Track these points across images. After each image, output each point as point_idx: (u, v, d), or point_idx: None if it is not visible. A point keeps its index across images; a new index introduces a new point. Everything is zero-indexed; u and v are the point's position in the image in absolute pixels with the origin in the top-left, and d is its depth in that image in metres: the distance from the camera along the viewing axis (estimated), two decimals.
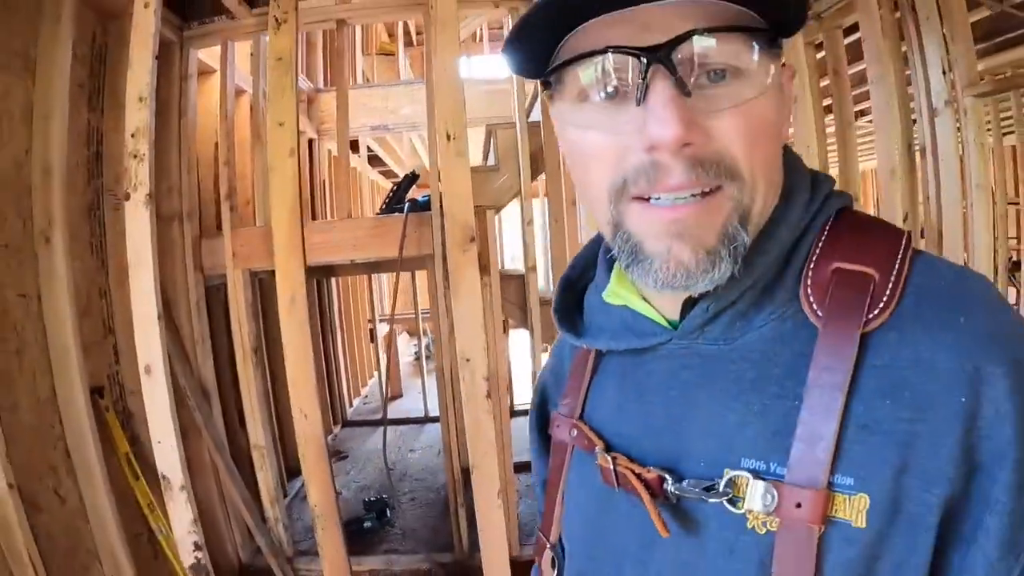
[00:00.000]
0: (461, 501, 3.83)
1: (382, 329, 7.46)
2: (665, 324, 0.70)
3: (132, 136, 2.42)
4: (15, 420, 2.52)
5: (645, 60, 0.55)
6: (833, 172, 4.46)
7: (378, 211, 4.01)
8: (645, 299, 0.72)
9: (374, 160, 7.97)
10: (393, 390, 7.38)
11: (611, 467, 0.70)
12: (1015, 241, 8.04)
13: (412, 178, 4.09)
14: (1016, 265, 7.03)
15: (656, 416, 0.70)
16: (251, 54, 4.42)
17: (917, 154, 3.85)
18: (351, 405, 7.13)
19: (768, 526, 0.59)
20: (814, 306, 0.62)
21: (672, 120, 0.54)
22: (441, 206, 3.58)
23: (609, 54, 0.57)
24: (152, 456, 3.24)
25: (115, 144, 3.22)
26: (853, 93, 4.39)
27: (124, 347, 3.29)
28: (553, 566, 0.86)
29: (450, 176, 2.59)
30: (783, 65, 0.64)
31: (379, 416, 6.75)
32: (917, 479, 0.55)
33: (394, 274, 9.84)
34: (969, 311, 0.58)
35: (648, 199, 0.59)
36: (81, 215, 3.09)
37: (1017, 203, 7.45)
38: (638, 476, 0.67)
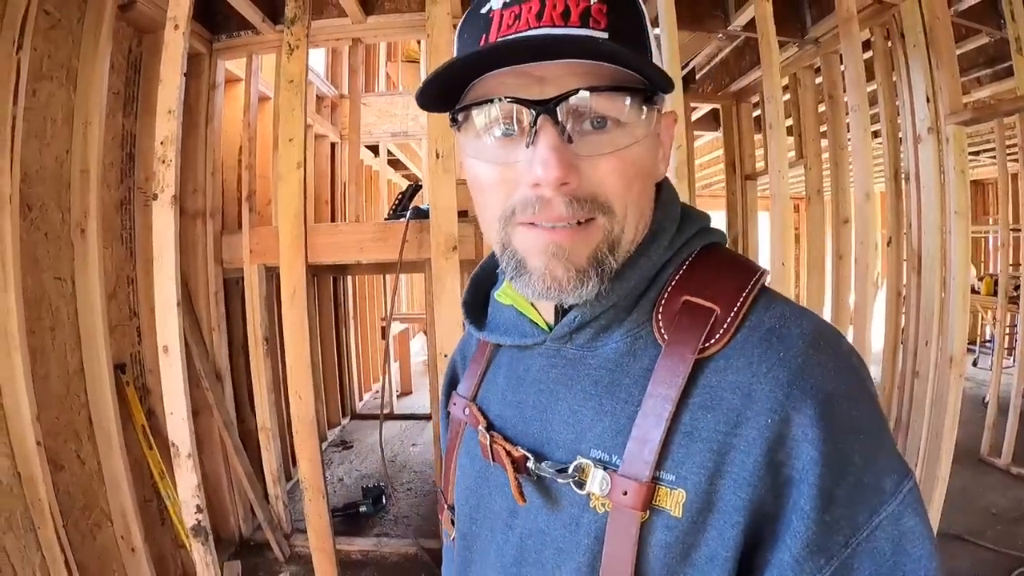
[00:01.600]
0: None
1: (398, 328, 7.76)
2: (544, 326, 0.81)
3: (161, 144, 2.73)
4: (46, 388, 2.85)
5: (535, 111, 0.65)
6: (826, 195, 4.63)
7: (386, 217, 4.31)
8: (532, 304, 0.82)
9: (395, 163, 8.32)
10: (404, 387, 7.69)
11: (488, 444, 0.81)
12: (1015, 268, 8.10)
13: (416, 188, 4.39)
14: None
15: (528, 405, 0.81)
16: (276, 66, 4.78)
17: (904, 180, 3.98)
18: (361, 399, 7.44)
19: (606, 507, 0.69)
20: (661, 330, 0.72)
21: (554, 164, 0.64)
22: None
23: (506, 103, 0.66)
24: (165, 429, 3.58)
25: (146, 147, 3.57)
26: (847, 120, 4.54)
27: (146, 329, 3.63)
28: (452, 524, 0.95)
29: (437, 190, 2.87)
30: (666, 113, 0.76)
31: (387, 411, 7.06)
32: (728, 481, 0.63)
33: (405, 275, 10.11)
34: (789, 347, 0.66)
35: (533, 224, 0.69)
36: (113, 209, 3.43)
37: (1019, 230, 7.48)
38: (508, 454, 0.78)
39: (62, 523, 2.71)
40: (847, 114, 4.42)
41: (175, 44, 2.79)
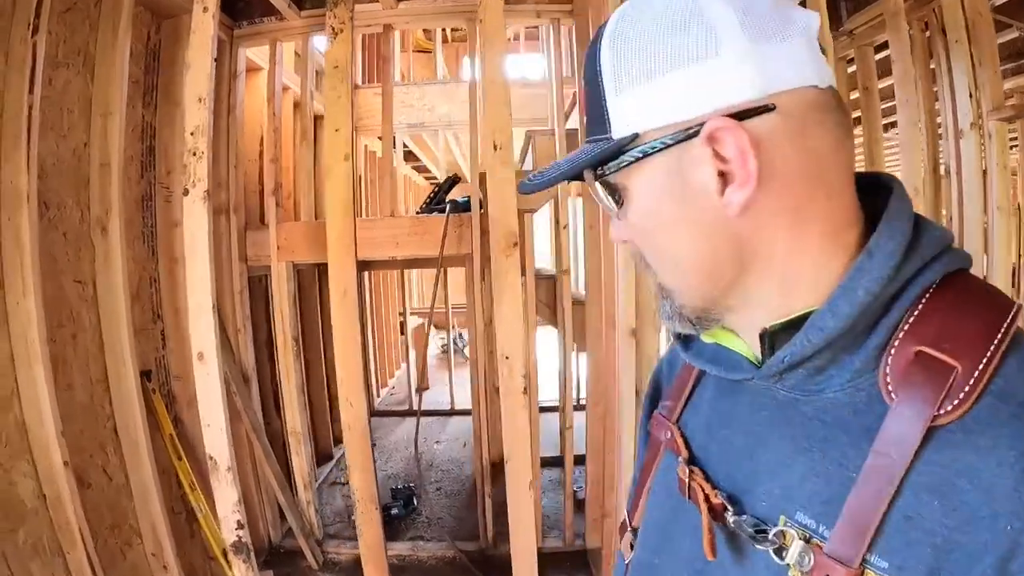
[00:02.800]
0: (488, 492, 3.86)
1: (411, 322, 7.49)
2: (752, 359, 0.70)
3: (191, 135, 2.46)
4: (69, 400, 2.57)
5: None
6: None
7: (418, 210, 4.03)
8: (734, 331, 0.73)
9: (408, 156, 8.01)
10: (420, 382, 7.42)
11: (687, 480, 0.73)
12: None
13: (454, 180, 4.12)
14: None
15: (733, 445, 0.72)
16: (296, 54, 4.48)
17: (942, 173, 3.82)
18: (378, 396, 7.17)
19: None
20: (889, 387, 0.60)
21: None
22: (482, 208, 3.61)
23: None
24: (194, 437, 3.31)
25: (167, 139, 3.28)
26: (881, 107, 4.34)
27: (171, 333, 3.35)
28: (631, 548, 0.87)
29: (496, 184, 2.60)
30: (685, 137, 0.62)
31: (406, 407, 6.79)
32: None
33: (425, 269, 9.86)
34: None
35: None
36: (134, 206, 3.15)
37: None
38: (706, 498, 0.69)
39: (92, 543, 2.45)
40: (882, 105, 4.25)
41: (204, 28, 2.51)
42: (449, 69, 10.43)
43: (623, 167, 0.66)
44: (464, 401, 6.83)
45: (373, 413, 6.70)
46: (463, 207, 3.71)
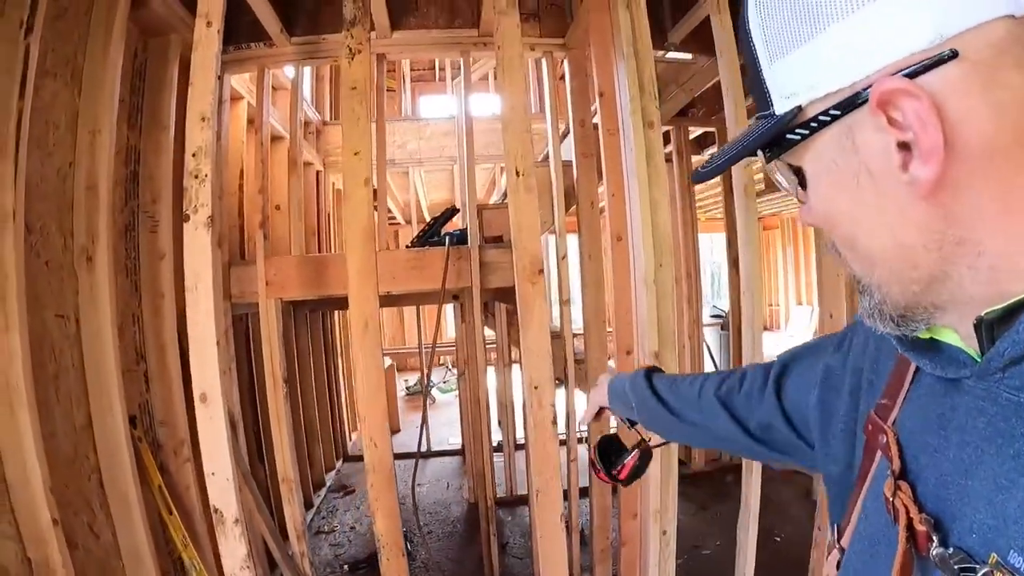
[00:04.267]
0: (493, 531, 3.56)
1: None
2: (972, 354, 0.56)
3: (193, 156, 2.14)
4: (53, 449, 2.17)
5: None
6: None
7: (409, 244, 3.77)
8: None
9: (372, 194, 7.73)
10: (392, 425, 7.01)
11: (891, 496, 0.61)
12: None
13: (451, 212, 3.88)
14: None
15: (947, 458, 0.58)
16: (272, 88, 4.19)
17: None
18: (351, 439, 6.75)
19: None
20: None
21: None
22: (481, 239, 3.39)
23: None
24: (180, 488, 2.92)
25: (153, 165, 2.93)
26: None
27: (155, 375, 2.96)
28: (838, 568, 0.72)
29: (520, 210, 2.39)
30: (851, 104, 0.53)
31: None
32: None
33: (390, 308, 9.48)
34: None
35: None
36: (118, 236, 2.77)
37: None
38: (909, 521, 0.57)
39: None
40: None
41: (208, 43, 2.23)
42: (410, 109, 10.28)
43: (791, 147, 0.58)
44: (439, 443, 6.50)
45: (347, 458, 6.30)
46: (460, 239, 3.47)
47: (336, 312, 6.21)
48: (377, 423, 2.47)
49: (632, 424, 1.36)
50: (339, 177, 6.22)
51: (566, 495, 3.86)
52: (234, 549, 2.25)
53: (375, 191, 7.11)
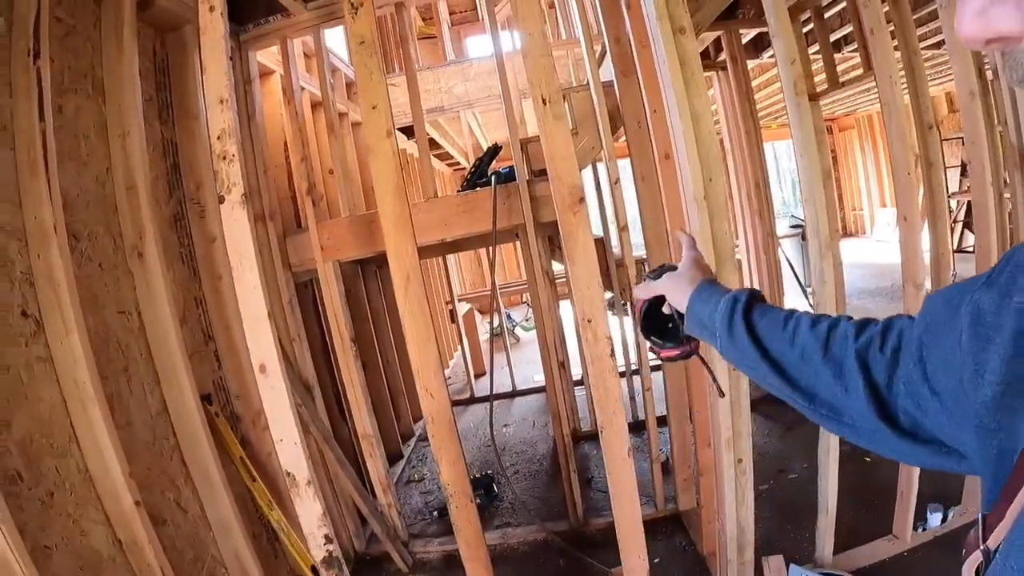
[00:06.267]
0: (573, 468, 3.64)
1: (460, 309, 7.27)
2: None
3: (218, 138, 2.23)
4: (131, 437, 2.39)
5: None
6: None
7: (459, 188, 3.79)
8: None
9: (431, 144, 7.77)
10: (477, 368, 7.21)
11: None
12: None
13: (494, 151, 3.87)
14: None
15: None
16: (305, 55, 4.25)
17: (989, 77, 3.53)
18: None
19: None
20: None
21: None
22: (528, 174, 3.38)
23: None
24: (263, 455, 3.13)
25: (190, 153, 3.07)
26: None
27: (225, 352, 3.16)
28: (977, 573, 0.59)
29: (552, 139, 2.34)
30: None
31: (466, 396, 6.60)
32: None
33: (463, 255, 9.63)
34: None
35: None
36: (168, 226, 2.95)
37: None
38: None
39: None
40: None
41: (215, 27, 2.28)
42: (454, 52, 10.19)
43: None
44: (524, 381, 6.63)
45: None
46: (508, 177, 3.47)
47: None
48: (431, 373, 2.55)
49: (689, 339, 1.23)
50: None
51: (643, 425, 3.90)
52: (309, 509, 2.42)
53: (430, 140, 7.14)
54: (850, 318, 0.91)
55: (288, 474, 2.40)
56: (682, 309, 1.17)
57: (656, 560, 3.23)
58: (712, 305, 1.07)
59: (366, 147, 2.57)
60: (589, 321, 2.41)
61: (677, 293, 1.19)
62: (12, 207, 2.06)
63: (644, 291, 1.29)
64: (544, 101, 2.32)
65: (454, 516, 2.67)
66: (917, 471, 2.83)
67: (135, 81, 2.59)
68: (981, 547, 0.59)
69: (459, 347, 7.42)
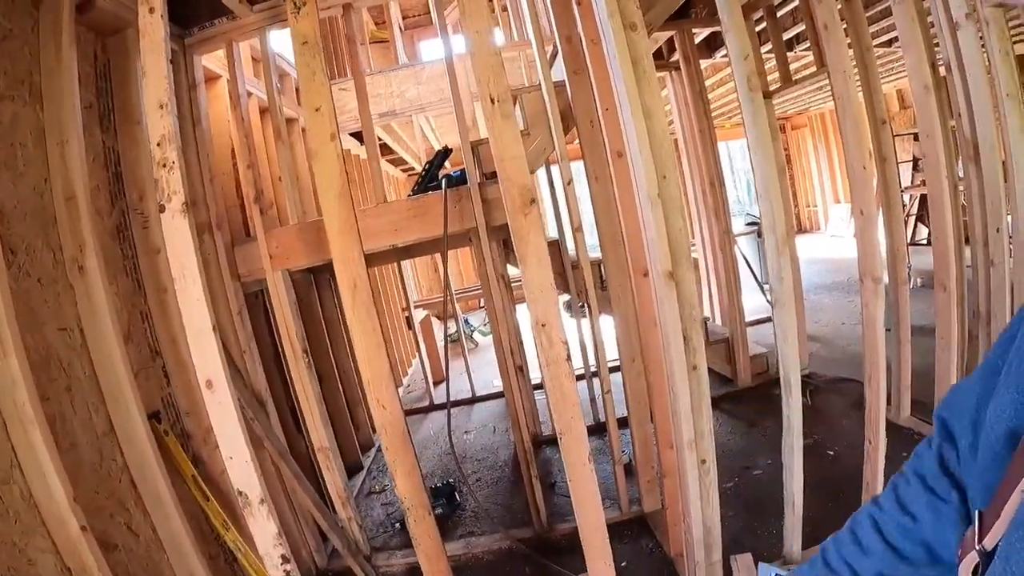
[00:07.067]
0: (535, 474, 3.63)
1: (416, 315, 7.21)
2: None
3: (158, 145, 2.17)
4: (76, 459, 2.30)
5: None
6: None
7: (410, 193, 3.76)
8: None
9: (383, 149, 7.69)
10: (436, 375, 7.15)
11: None
12: None
13: (445, 153, 3.83)
14: None
15: None
16: (253, 59, 4.17)
17: (942, 72, 3.63)
18: None
19: None
20: None
21: None
22: (479, 176, 3.35)
23: None
24: (216, 473, 3.05)
25: (133, 161, 2.99)
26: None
27: (173, 368, 3.07)
28: (974, 573, 0.61)
29: (500, 139, 2.32)
30: None
31: (425, 403, 6.54)
32: None
33: (418, 260, 9.56)
34: None
35: None
36: (110, 238, 2.85)
37: None
38: None
39: None
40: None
41: (154, 29, 2.22)
42: (408, 56, 10.12)
43: None
44: (484, 387, 6.61)
45: None
46: (459, 180, 3.45)
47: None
48: (382, 383, 2.52)
49: None
50: (343, 138, 6.23)
51: (604, 428, 3.91)
52: (264, 528, 2.37)
53: (382, 146, 7.06)
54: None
55: (240, 493, 2.34)
56: None
57: (623, 564, 3.23)
58: None
59: (310, 151, 2.52)
60: (543, 325, 2.40)
61: None
62: None
63: None
64: (492, 100, 2.31)
65: (412, 529, 2.64)
66: (882, 463, 2.87)
67: (74, 87, 2.50)
68: (977, 547, 0.60)
69: (417, 354, 7.36)
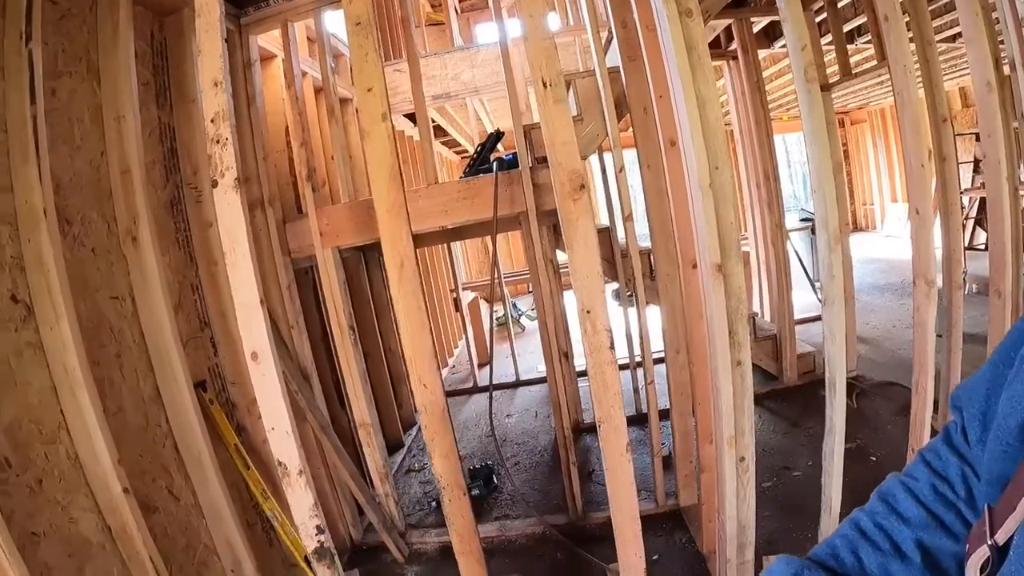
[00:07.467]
0: (573, 460, 3.64)
1: (465, 297, 7.26)
2: None
3: (212, 121, 2.22)
4: (122, 423, 2.41)
5: None
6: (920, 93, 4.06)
7: (461, 175, 3.78)
8: None
9: (437, 131, 7.74)
10: (481, 357, 7.21)
11: None
12: None
13: (497, 136, 3.84)
14: None
15: None
16: (308, 39, 4.24)
17: (1006, 70, 3.47)
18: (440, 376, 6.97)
19: None
20: None
21: None
22: (530, 161, 3.35)
23: None
24: (259, 443, 3.14)
25: (188, 138, 3.08)
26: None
27: (221, 338, 3.17)
28: (982, 570, 0.59)
29: (552, 123, 2.30)
30: None
31: (469, 385, 6.60)
32: None
33: (470, 242, 9.62)
34: None
35: None
36: (164, 211, 2.95)
37: None
38: None
39: (166, 570, 2.28)
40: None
41: (209, 9, 2.26)
42: (463, 39, 10.14)
43: None
44: (528, 371, 6.63)
45: None
46: (511, 164, 3.45)
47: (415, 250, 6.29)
48: (425, 363, 2.53)
49: None
50: (397, 120, 6.29)
51: (645, 418, 3.89)
52: (301, 499, 2.42)
53: (436, 127, 7.10)
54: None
55: (280, 463, 2.40)
56: None
57: (655, 557, 3.23)
58: None
59: (362, 130, 2.56)
60: (588, 312, 2.37)
61: None
62: (3, 192, 2.07)
63: None
64: (545, 84, 2.29)
65: (447, 509, 2.67)
66: None
67: (130, 65, 2.59)
68: (989, 542, 0.58)
69: (463, 336, 7.42)
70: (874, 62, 4.44)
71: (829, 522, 2.77)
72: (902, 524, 0.79)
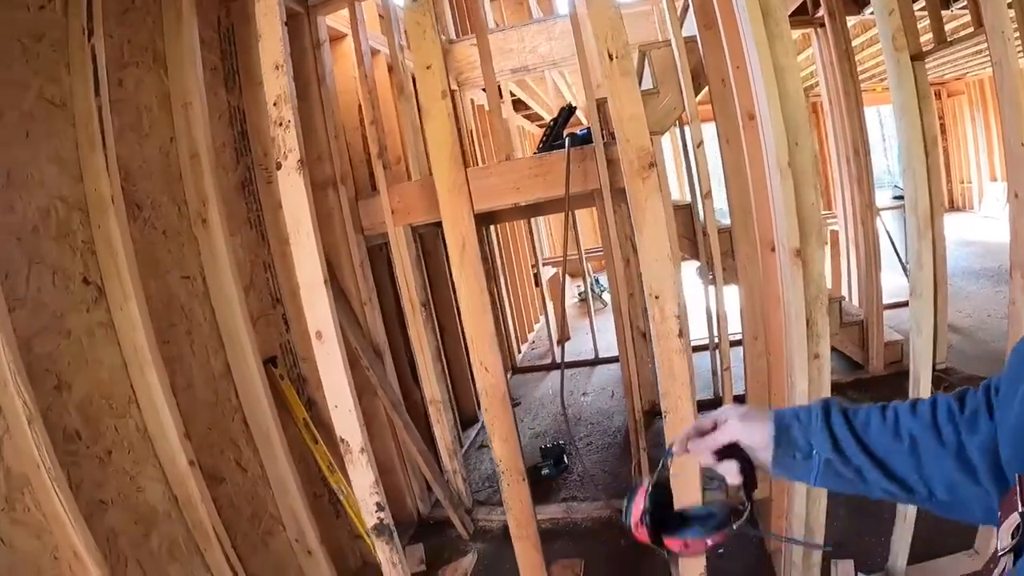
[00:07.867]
0: (642, 445, 3.59)
1: (545, 273, 7.25)
2: None
3: (274, 105, 2.27)
4: (191, 398, 2.53)
5: None
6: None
7: (535, 150, 3.74)
8: None
9: (518, 104, 7.69)
10: (560, 333, 7.20)
11: None
12: None
13: (569, 111, 3.78)
14: None
15: None
16: (380, 16, 4.27)
17: None
18: (519, 352, 7.01)
19: None
20: None
21: None
22: (604, 136, 3.28)
23: None
24: (329, 419, 3.24)
25: (257, 120, 3.17)
26: None
27: (292, 315, 3.28)
28: (1014, 535, 0.61)
29: (619, 97, 2.21)
30: None
31: (548, 361, 6.61)
32: None
33: (553, 217, 9.60)
34: None
35: None
36: (235, 192, 3.06)
37: None
38: None
39: (229, 539, 2.40)
40: None
41: None
42: (542, 11, 10.01)
43: None
44: (608, 349, 6.58)
45: (515, 370, 6.57)
46: (583, 139, 3.39)
47: (491, 227, 6.33)
48: (485, 345, 2.54)
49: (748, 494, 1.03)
50: (476, 93, 6.28)
51: (721, 404, 3.79)
52: (362, 476, 2.48)
53: (516, 101, 7.06)
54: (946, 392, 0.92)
55: (342, 440, 2.46)
56: (761, 446, 0.99)
57: (720, 551, 3.15)
58: (804, 424, 0.97)
59: (422, 108, 2.55)
60: (656, 297, 2.27)
61: (754, 430, 0.99)
62: (74, 180, 2.18)
63: (708, 443, 1.02)
64: (611, 56, 2.20)
65: (505, 494, 2.68)
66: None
67: (196, 52, 2.67)
68: (1020, 509, 0.60)
69: (544, 312, 7.43)
70: (970, 29, 4.12)
71: (903, 530, 2.62)
72: (909, 415, 0.93)
